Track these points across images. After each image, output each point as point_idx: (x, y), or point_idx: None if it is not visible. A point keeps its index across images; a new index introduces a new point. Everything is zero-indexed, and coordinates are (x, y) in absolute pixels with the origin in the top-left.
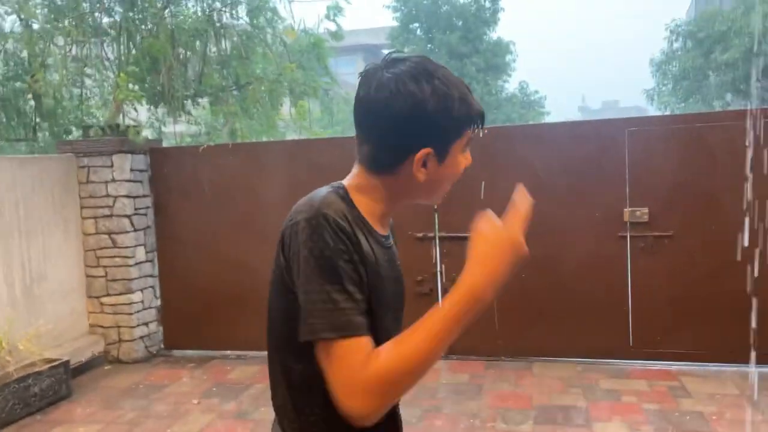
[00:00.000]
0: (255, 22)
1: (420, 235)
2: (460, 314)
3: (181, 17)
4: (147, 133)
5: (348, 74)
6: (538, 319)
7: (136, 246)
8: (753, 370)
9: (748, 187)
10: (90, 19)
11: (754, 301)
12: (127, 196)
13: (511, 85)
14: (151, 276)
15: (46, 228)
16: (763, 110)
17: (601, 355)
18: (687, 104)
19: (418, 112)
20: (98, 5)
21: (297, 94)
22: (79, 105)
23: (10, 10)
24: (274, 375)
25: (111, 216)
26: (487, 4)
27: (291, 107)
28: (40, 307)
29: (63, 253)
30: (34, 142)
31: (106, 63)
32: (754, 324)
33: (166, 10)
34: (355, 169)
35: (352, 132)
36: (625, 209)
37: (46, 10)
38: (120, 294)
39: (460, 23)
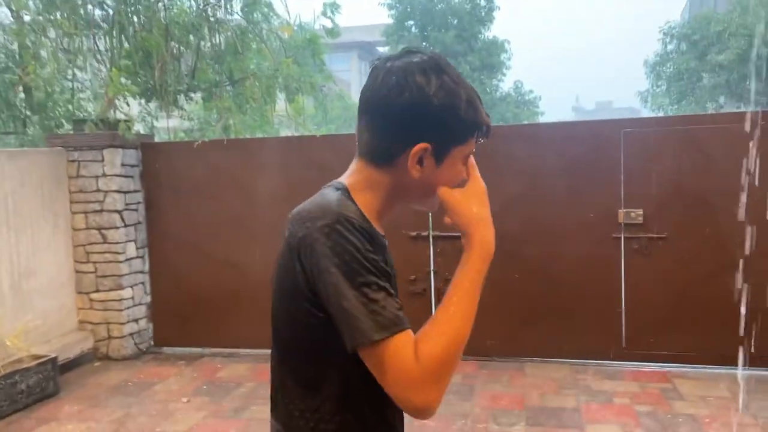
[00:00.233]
0: (250, 17)
1: (414, 234)
2: (482, 273)
3: (175, 11)
4: (139, 128)
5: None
6: (531, 320)
7: (126, 242)
8: (745, 372)
9: (744, 190)
10: (82, 12)
11: (746, 304)
12: (118, 191)
13: (505, 85)
14: (141, 272)
15: (35, 222)
16: (763, 113)
17: (594, 356)
18: (680, 106)
19: (422, 104)
20: None
21: (292, 90)
22: (71, 98)
23: (1, 1)
24: (280, 379)
25: (101, 211)
26: (483, 3)
27: (286, 104)
28: (28, 303)
29: (52, 248)
30: (23, 135)
31: (98, 56)
32: (745, 327)
33: (160, 4)
34: (354, 165)
35: (346, 129)
36: (620, 210)
37: (37, 1)
38: (110, 290)
39: (455, 21)
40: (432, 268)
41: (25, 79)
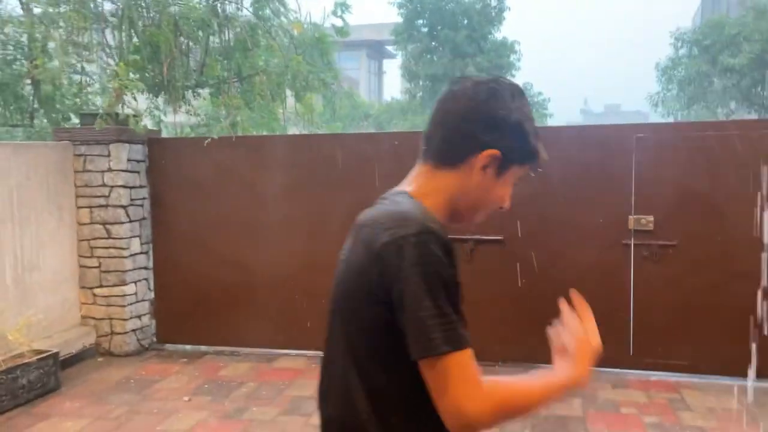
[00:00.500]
0: (260, 13)
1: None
2: (555, 395)
3: (184, 5)
4: (146, 123)
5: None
6: (538, 325)
7: (131, 237)
8: (756, 384)
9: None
10: (92, 5)
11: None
12: (124, 187)
13: None
14: (145, 268)
15: (40, 216)
16: None
17: (601, 364)
18: (690, 111)
19: (503, 116)
20: None
21: (302, 88)
22: (78, 92)
23: None
24: (345, 383)
25: (106, 206)
26: (493, 3)
27: (295, 101)
28: (31, 297)
29: (56, 242)
30: (30, 128)
31: (107, 50)
32: (756, 337)
33: None
34: (418, 169)
35: (353, 128)
36: (631, 216)
37: None
38: (113, 285)
39: (465, 21)
40: None
41: (33, 71)
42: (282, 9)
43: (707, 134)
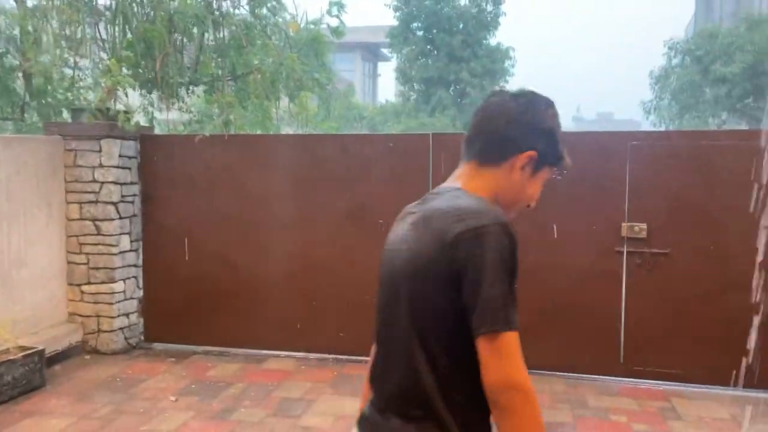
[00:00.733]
0: (256, 11)
1: None
2: None
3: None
4: (139, 119)
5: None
6: (528, 331)
7: (120, 234)
8: (746, 394)
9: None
10: None
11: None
12: (114, 183)
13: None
14: (134, 266)
15: (29, 211)
16: None
17: (591, 371)
18: (682, 120)
19: (539, 122)
20: None
21: (296, 87)
22: (70, 86)
23: None
24: (411, 364)
25: (96, 202)
26: (489, 8)
27: (289, 100)
28: (18, 293)
29: (45, 237)
30: (21, 121)
31: (100, 44)
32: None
33: None
34: (465, 168)
35: (348, 129)
36: (624, 224)
37: None
38: (102, 283)
39: (461, 26)
40: None
41: (24, 65)
42: (278, 8)
43: (701, 144)
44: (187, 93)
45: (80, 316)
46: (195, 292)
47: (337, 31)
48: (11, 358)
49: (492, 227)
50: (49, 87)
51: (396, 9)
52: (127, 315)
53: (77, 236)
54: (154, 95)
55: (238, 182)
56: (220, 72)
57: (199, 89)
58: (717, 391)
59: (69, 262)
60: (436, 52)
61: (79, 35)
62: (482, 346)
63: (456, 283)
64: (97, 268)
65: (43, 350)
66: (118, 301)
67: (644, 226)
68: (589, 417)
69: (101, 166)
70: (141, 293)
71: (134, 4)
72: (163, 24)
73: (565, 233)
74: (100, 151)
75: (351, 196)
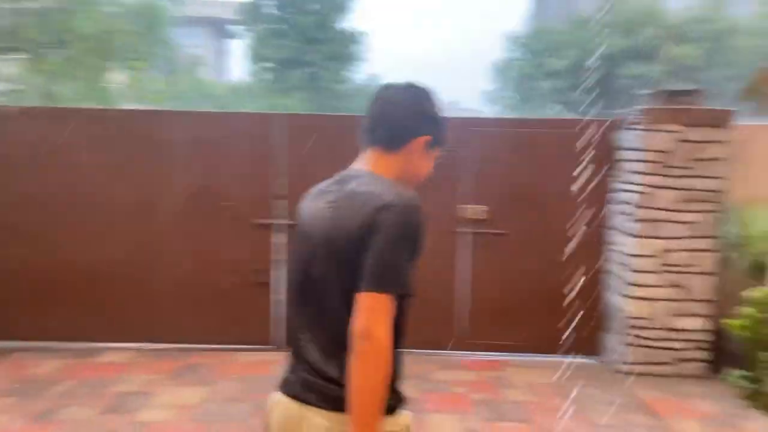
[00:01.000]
0: None
1: (260, 221)
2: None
3: None
4: None
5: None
6: None
7: None
8: (568, 360)
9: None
10: None
11: (573, 298)
12: None
13: (360, 77)
14: None
15: None
16: (598, 122)
17: (433, 347)
18: (523, 111)
19: (430, 111)
20: None
21: (130, 58)
22: None
23: None
24: (343, 322)
25: None
26: None
27: (123, 73)
28: None
29: None
30: None
31: None
32: (570, 319)
33: None
34: (370, 153)
35: (196, 107)
36: (464, 206)
37: None
38: None
39: (318, 6)
40: (277, 258)
41: None
42: None
43: (531, 131)
44: (5, 60)
45: None
46: (14, 282)
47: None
48: None
49: (404, 208)
50: None
51: None
52: None
53: None
54: None
55: (64, 160)
56: (43, 38)
57: (19, 57)
58: (545, 358)
59: None
60: (290, 32)
61: None
62: (359, 299)
63: (367, 243)
64: None
65: None
66: None
67: (485, 208)
68: (432, 391)
69: None
70: None
71: None
72: None
73: None
74: None
75: (196, 177)
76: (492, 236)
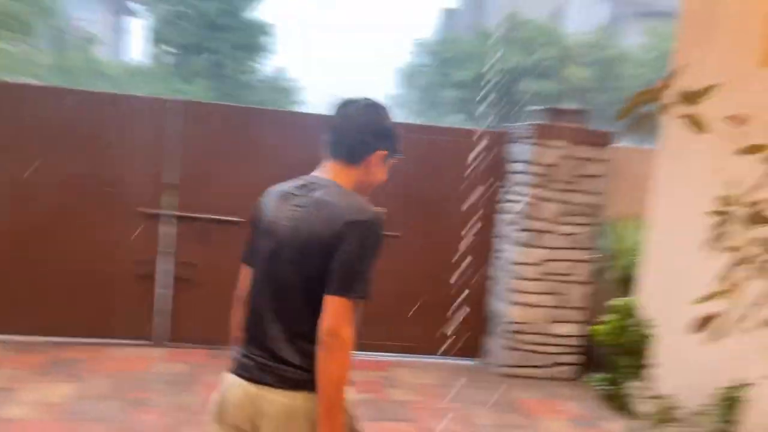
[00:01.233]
0: None
1: (149, 211)
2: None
3: None
4: None
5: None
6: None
7: None
8: (451, 362)
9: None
10: None
11: (458, 302)
12: None
13: (268, 69)
14: None
15: None
16: (491, 133)
17: None
18: (428, 117)
19: (387, 127)
20: None
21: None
22: None
23: None
24: (302, 314)
25: None
26: None
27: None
28: None
29: None
30: None
31: None
32: (456, 322)
33: None
34: (333, 166)
35: (89, 86)
36: None
37: None
38: None
39: None
40: (164, 249)
41: None
42: None
43: (428, 138)
44: None
45: None
46: None
47: None
48: None
49: (370, 222)
50: None
51: None
52: None
53: None
54: None
55: None
56: None
57: None
58: (431, 360)
59: None
60: (191, 13)
61: None
62: (327, 301)
63: (333, 254)
64: None
65: None
66: None
67: (384, 210)
68: None
69: None
70: None
71: None
72: None
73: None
74: None
75: (81, 161)
76: (387, 238)
